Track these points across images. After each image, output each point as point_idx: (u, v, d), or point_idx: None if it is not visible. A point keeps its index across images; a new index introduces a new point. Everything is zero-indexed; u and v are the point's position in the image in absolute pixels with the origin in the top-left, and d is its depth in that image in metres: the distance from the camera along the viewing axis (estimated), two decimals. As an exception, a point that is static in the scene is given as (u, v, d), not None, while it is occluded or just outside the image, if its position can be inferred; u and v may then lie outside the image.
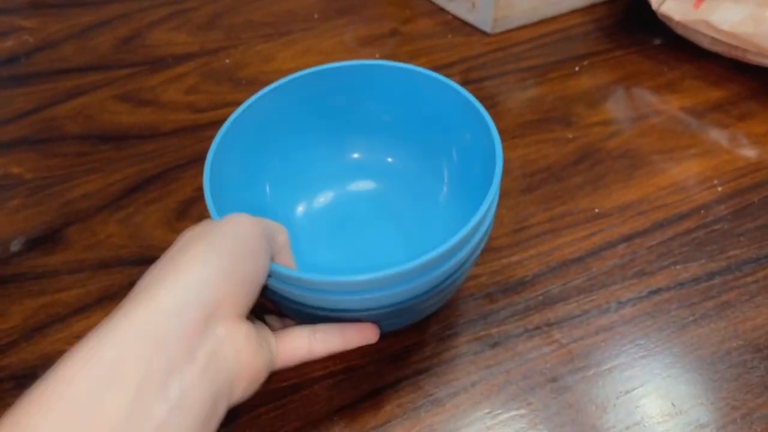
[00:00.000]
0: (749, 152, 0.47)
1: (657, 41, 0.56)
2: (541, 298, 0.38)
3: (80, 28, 0.61)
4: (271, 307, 0.31)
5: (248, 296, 0.24)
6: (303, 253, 0.35)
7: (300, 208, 0.38)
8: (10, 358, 0.36)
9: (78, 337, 0.37)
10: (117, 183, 0.46)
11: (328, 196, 0.39)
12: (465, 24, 0.59)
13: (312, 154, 0.38)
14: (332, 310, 0.28)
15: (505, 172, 0.45)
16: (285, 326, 0.30)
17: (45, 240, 0.43)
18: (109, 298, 0.39)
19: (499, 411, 0.33)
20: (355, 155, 0.39)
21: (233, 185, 0.32)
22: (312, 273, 0.26)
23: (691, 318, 0.37)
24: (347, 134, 0.38)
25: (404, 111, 0.37)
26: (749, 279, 0.39)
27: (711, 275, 0.39)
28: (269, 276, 0.26)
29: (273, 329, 0.28)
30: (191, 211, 0.44)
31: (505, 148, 0.47)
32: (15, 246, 0.42)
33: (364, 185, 0.39)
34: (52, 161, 0.48)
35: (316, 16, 0.61)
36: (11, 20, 0.64)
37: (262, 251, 0.25)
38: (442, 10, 0.60)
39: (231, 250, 0.24)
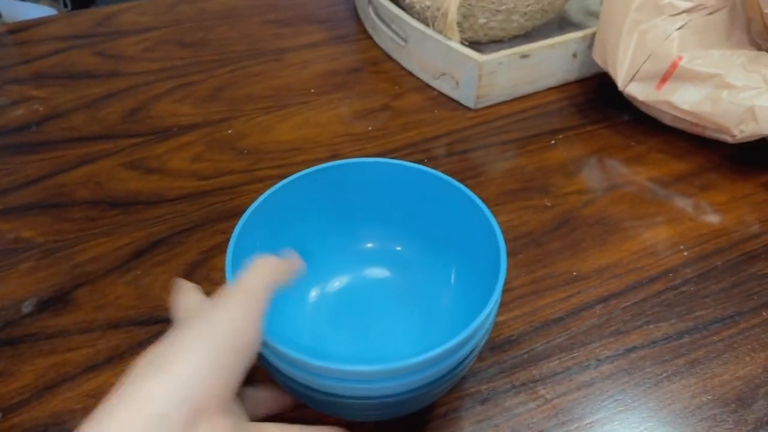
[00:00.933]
0: (712, 219, 0.51)
1: (624, 117, 0.61)
2: (526, 356, 0.41)
3: (89, 99, 0.65)
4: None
5: (234, 388, 0.26)
6: (312, 336, 0.37)
7: (313, 294, 0.40)
8: (22, 416, 0.38)
9: (87, 395, 0.39)
10: (125, 246, 0.49)
11: (341, 281, 0.41)
12: (450, 99, 0.64)
13: (324, 241, 0.40)
14: (324, 393, 0.29)
15: (490, 237, 0.49)
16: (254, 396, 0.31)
17: (56, 301, 0.45)
18: (118, 357, 0.41)
19: (490, 464, 0.35)
20: (368, 244, 0.42)
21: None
22: (300, 353, 0.27)
23: (664, 374, 0.40)
24: (359, 224, 0.41)
25: (414, 207, 0.40)
26: (715, 338, 0.42)
27: (681, 334, 0.42)
28: (262, 345, 0.28)
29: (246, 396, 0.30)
30: (197, 273, 0.47)
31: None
32: (27, 307, 0.44)
33: (375, 273, 0.41)
34: (62, 225, 0.50)
35: (312, 90, 0.65)
36: (22, 90, 0.67)
37: (253, 339, 0.26)
38: (428, 86, 0.66)
39: (221, 343, 0.25)
